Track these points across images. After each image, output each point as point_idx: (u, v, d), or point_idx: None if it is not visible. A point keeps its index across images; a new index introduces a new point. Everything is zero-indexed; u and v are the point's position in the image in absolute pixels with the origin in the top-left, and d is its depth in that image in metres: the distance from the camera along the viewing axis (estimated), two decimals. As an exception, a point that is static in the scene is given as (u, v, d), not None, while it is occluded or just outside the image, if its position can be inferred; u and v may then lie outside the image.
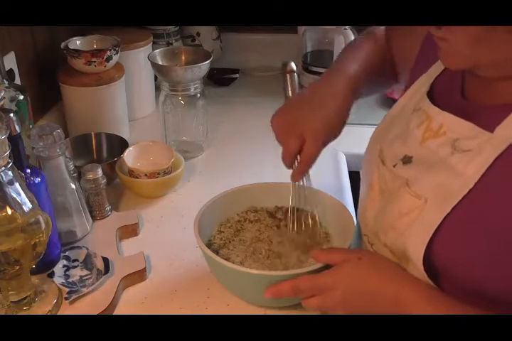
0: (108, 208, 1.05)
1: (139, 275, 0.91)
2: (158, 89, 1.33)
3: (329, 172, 1.12)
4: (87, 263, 0.91)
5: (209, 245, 0.88)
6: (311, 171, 0.86)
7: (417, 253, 0.68)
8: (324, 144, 0.82)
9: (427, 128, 0.72)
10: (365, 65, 0.88)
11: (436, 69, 0.78)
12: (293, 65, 0.86)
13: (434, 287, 0.70)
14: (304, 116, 0.81)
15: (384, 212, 0.75)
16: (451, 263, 0.68)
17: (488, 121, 0.66)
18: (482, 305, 0.66)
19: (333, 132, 0.83)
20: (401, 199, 0.72)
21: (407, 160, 0.74)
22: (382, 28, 0.96)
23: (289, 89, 0.87)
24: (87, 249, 0.93)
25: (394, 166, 0.76)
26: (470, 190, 0.65)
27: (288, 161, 0.83)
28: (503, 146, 0.64)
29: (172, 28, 1.53)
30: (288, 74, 0.86)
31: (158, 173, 1.10)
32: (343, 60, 0.90)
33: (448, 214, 0.66)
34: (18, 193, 0.73)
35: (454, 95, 0.74)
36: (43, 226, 0.76)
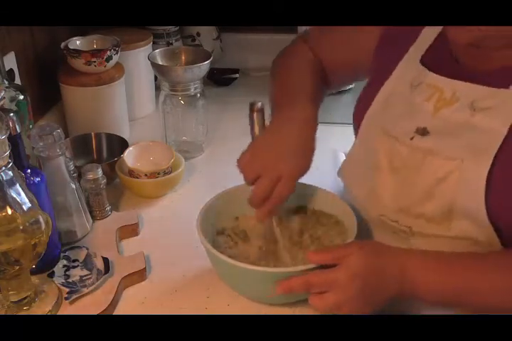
0: (108, 208, 1.05)
1: (139, 276, 0.91)
2: (158, 89, 1.33)
3: (329, 172, 1.11)
4: (87, 263, 0.91)
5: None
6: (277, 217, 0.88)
7: (476, 207, 0.69)
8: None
9: (439, 99, 0.75)
10: (312, 90, 0.91)
11: (417, 49, 0.81)
12: (260, 105, 0.86)
13: (440, 254, 0.72)
14: (276, 158, 0.82)
15: (410, 186, 0.76)
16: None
17: (498, 83, 0.69)
18: None
19: (305, 170, 0.84)
20: (431, 168, 0.73)
21: (422, 131, 0.76)
22: (301, 40, 1.03)
23: (257, 128, 0.86)
24: (87, 249, 0.93)
25: (411, 139, 0.77)
26: (504, 140, 0.67)
27: (258, 201, 0.83)
28: None
29: (172, 28, 1.52)
30: (255, 113, 0.86)
31: (158, 173, 1.10)
32: (292, 93, 0.91)
33: (492, 166, 0.68)
34: (18, 193, 0.73)
35: (451, 66, 0.76)
36: (43, 226, 0.76)
